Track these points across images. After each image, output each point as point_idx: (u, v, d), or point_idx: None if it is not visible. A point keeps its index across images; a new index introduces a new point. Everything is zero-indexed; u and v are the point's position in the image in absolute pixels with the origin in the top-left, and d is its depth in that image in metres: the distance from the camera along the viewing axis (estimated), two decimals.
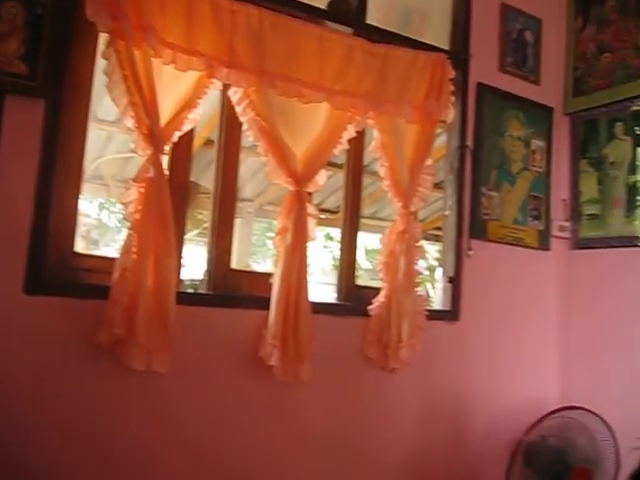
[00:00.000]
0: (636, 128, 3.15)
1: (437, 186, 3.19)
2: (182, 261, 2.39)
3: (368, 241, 7.88)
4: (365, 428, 2.70)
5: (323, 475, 2.58)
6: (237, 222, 6.47)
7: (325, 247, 9.25)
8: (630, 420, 2.76)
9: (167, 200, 2.12)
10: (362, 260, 7.58)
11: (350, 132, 2.63)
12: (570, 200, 3.41)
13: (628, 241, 3.12)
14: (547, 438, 2.73)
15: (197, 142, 4.29)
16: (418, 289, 2.76)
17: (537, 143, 3.36)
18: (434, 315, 2.91)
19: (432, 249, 7.28)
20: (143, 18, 2.10)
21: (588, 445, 2.70)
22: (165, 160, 2.17)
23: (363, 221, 6.34)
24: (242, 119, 2.42)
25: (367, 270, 7.65)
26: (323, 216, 5.97)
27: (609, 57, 3.33)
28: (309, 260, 2.44)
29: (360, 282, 2.86)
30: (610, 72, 3.30)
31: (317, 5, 2.71)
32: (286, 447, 2.48)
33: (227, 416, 2.37)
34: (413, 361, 2.74)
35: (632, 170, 3.16)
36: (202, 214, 5.62)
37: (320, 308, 2.58)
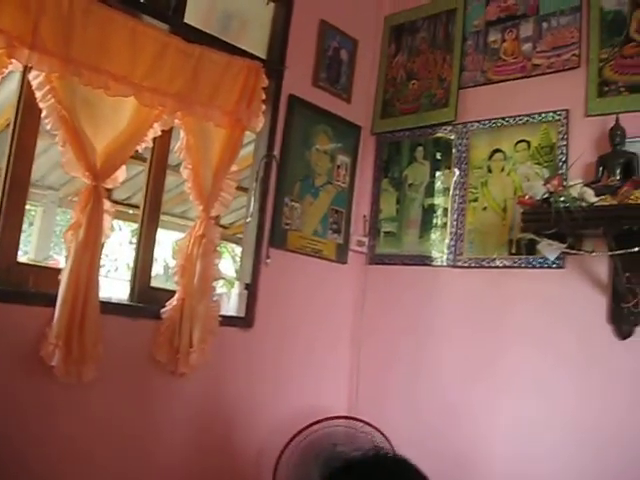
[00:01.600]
0: (438, 153, 3.54)
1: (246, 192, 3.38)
2: None
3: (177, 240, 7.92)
4: (151, 430, 2.79)
5: (116, 475, 2.66)
6: (39, 211, 6.30)
7: (132, 244, 9.19)
8: (409, 438, 3.08)
9: None
10: (170, 259, 7.62)
11: (156, 130, 2.71)
12: (370, 216, 3.75)
13: (420, 260, 3.51)
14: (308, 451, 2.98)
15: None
16: (213, 294, 2.91)
17: (343, 159, 3.67)
18: (228, 321, 3.06)
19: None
20: None
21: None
22: None
23: (173, 220, 6.40)
24: (41, 105, 2.40)
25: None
26: (131, 212, 5.98)
27: (416, 84, 3.72)
28: (102, 258, 2.50)
29: (164, 283, 2.94)
30: (416, 99, 3.70)
31: None
32: (77, 447, 2.55)
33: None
34: (203, 366, 2.86)
35: (428, 193, 3.55)
36: None
37: (110, 308, 2.64)
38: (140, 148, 2.66)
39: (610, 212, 2.46)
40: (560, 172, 2.95)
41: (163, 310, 2.79)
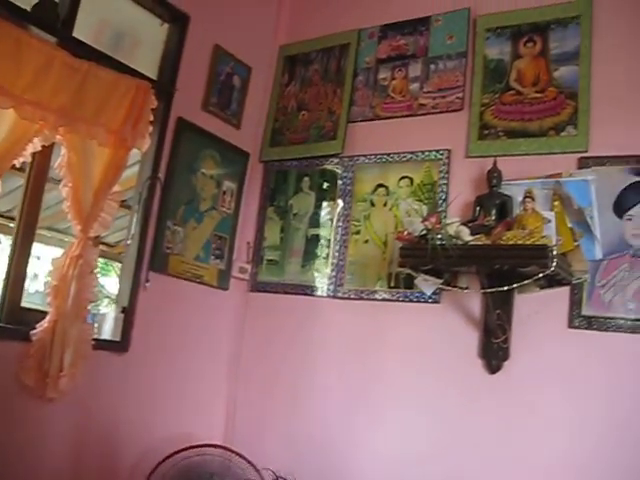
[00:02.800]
0: (324, 185, 3.66)
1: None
2: None
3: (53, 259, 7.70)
4: (17, 457, 2.72)
5: None
6: None
7: None
8: (285, 470, 3.08)
9: None
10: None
11: (36, 145, 2.68)
12: (254, 244, 3.82)
13: (302, 289, 3.60)
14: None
15: None
16: (87, 317, 2.88)
17: (229, 185, 3.73)
18: (102, 345, 3.03)
19: None
20: None
21: None
22: None
23: (57, 236, 6.22)
24: None
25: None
26: (12, 225, 5.76)
27: (306, 115, 3.85)
28: None
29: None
30: (305, 129, 3.82)
31: (21, 6, 2.73)
32: None
33: None
34: (74, 391, 2.81)
35: (312, 223, 3.66)
36: None
37: None
38: (18, 162, 2.58)
39: (483, 251, 2.62)
40: (440, 210, 3.13)
41: (33, 332, 2.71)
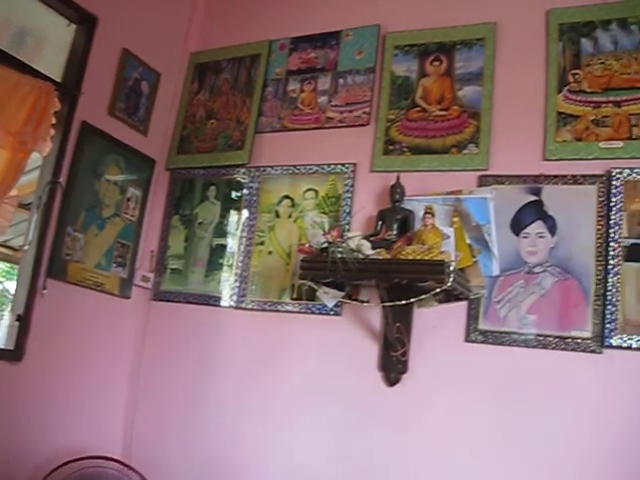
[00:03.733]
0: (229, 194, 3.63)
1: None
2: None
3: None
4: None
5: None
6: None
7: None
8: None
9: None
10: None
11: None
12: (157, 252, 3.75)
13: (205, 299, 3.55)
14: None
15: None
16: None
17: (134, 191, 3.65)
18: None
19: None
20: None
21: None
22: None
23: None
24: None
25: None
26: None
27: (215, 124, 3.81)
28: None
29: None
30: (213, 138, 3.78)
31: None
32: None
33: None
34: None
35: (217, 233, 3.63)
36: None
37: None
38: None
39: (382, 266, 2.65)
40: (344, 223, 3.14)
41: None
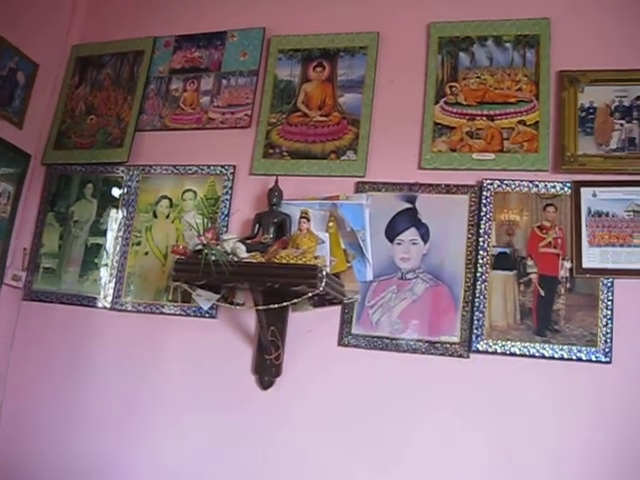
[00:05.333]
0: (107, 193, 3.53)
1: None
2: None
3: None
4: None
5: None
6: None
7: None
8: None
9: None
10: None
11: None
12: (30, 251, 3.61)
13: (79, 300, 3.44)
14: None
15: None
16: None
17: (5, 187, 3.49)
18: None
19: None
20: None
21: None
22: None
23: None
24: None
25: None
26: None
27: (95, 120, 3.70)
28: None
29: None
30: (92, 134, 3.67)
31: None
32: None
33: None
34: None
35: (93, 232, 3.52)
36: None
37: None
38: None
39: (255, 269, 2.63)
40: (222, 225, 3.10)
41: None
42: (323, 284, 2.52)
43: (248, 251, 2.73)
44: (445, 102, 3.06)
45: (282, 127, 3.22)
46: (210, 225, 2.84)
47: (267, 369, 2.92)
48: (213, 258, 2.58)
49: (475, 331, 2.74)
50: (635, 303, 2.68)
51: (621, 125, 2.89)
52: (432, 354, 2.79)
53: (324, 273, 2.54)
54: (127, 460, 3.12)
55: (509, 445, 2.65)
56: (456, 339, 2.77)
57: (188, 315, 3.11)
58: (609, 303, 2.68)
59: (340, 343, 2.89)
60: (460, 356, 2.75)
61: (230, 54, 3.47)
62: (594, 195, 2.81)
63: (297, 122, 3.21)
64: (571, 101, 2.95)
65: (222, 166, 3.24)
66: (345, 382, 2.85)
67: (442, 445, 2.72)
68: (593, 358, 2.65)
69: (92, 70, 3.77)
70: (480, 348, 2.73)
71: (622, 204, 2.78)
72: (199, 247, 2.67)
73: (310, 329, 2.94)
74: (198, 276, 2.65)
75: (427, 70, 3.13)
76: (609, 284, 2.70)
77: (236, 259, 2.67)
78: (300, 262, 2.59)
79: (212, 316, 3.08)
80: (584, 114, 2.92)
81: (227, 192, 3.20)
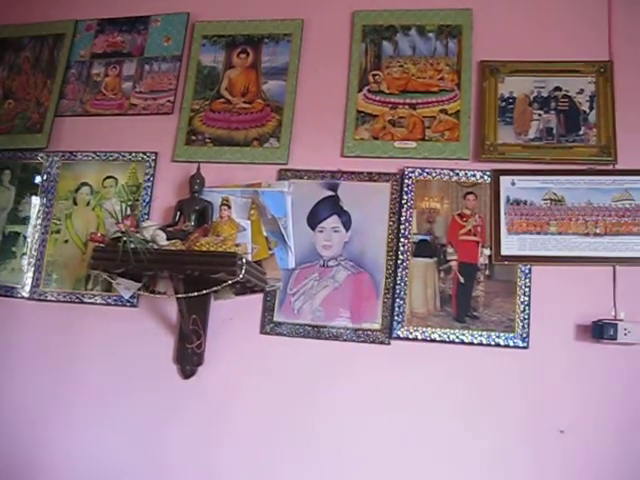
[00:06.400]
0: (26, 180, 3.43)
1: None
2: None
3: None
4: None
5: None
6: None
7: None
8: None
9: None
10: None
11: None
12: None
13: None
14: None
15: None
16: None
17: None
18: None
19: None
20: None
21: None
22: None
23: None
24: None
25: None
26: None
27: (13, 104, 3.60)
28: None
29: None
30: (10, 119, 3.57)
31: None
32: None
33: None
34: None
35: (11, 220, 3.42)
36: None
37: None
38: None
39: (174, 257, 2.61)
40: (143, 212, 3.06)
41: None
42: (243, 272, 2.52)
43: (169, 239, 2.70)
44: (368, 90, 3.08)
45: (205, 114, 3.20)
46: (130, 212, 2.76)
47: (189, 358, 2.90)
48: (132, 246, 2.54)
49: (396, 318, 2.77)
50: (551, 289, 2.72)
51: (539, 115, 2.93)
52: (354, 341, 2.81)
53: (244, 261, 2.53)
54: (51, 453, 3.06)
55: (429, 429, 2.69)
56: (377, 326, 2.79)
57: (109, 304, 3.07)
58: (527, 289, 2.72)
59: (262, 331, 2.89)
60: (381, 343, 2.78)
61: (153, 39, 3.43)
62: (513, 184, 2.85)
63: (220, 109, 3.19)
64: (491, 91, 2.99)
65: (144, 153, 3.20)
66: (267, 370, 2.85)
67: (364, 430, 2.76)
68: (511, 343, 2.68)
69: (10, 53, 3.67)
70: (401, 335, 2.76)
71: (540, 192, 2.82)
72: (118, 235, 2.61)
73: (232, 317, 2.92)
74: (116, 264, 2.62)
75: (351, 58, 3.14)
76: (527, 271, 2.74)
77: (156, 247, 2.64)
78: (220, 250, 2.58)
79: (133, 305, 3.04)
80: (504, 104, 2.97)
81: (149, 179, 3.16)
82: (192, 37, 3.36)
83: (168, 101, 3.27)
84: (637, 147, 2.82)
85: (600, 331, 2.55)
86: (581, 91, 2.91)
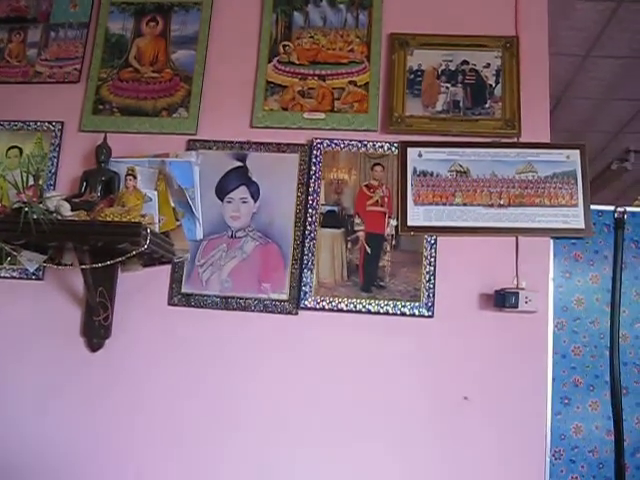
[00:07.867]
0: None
1: None
2: None
3: None
4: None
5: None
6: None
7: None
8: None
9: None
10: None
11: None
12: None
13: None
14: None
15: None
16: None
17: None
18: None
19: None
20: None
21: None
22: None
23: None
24: None
25: None
26: None
27: None
28: None
29: None
30: None
31: None
32: None
33: None
34: None
35: None
36: None
37: None
38: None
39: (77, 227, 2.59)
40: (49, 183, 3.02)
41: None
42: (147, 242, 2.52)
43: (74, 209, 2.68)
44: (278, 61, 3.10)
45: (113, 83, 3.17)
46: (33, 183, 2.72)
47: (96, 331, 2.90)
48: (34, 217, 2.51)
49: (303, 288, 2.82)
50: (456, 259, 2.81)
51: (447, 88, 3.00)
52: (262, 311, 2.86)
53: (148, 231, 2.54)
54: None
55: (335, 398, 2.77)
56: (285, 296, 2.84)
57: (13, 278, 3.02)
58: (432, 259, 2.80)
59: (170, 302, 2.91)
60: (289, 313, 2.83)
61: (59, 5, 3.37)
62: (420, 155, 2.91)
63: (128, 78, 3.17)
64: (400, 63, 3.04)
65: (50, 122, 3.16)
66: (175, 342, 2.87)
67: (273, 400, 2.82)
68: (416, 312, 2.77)
69: None
70: (308, 305, 2.81)
71: (446, 164, 2.90)
72: (19, 205, 2.58)
73: (140, 289, 2.90)
74: (17, 235, 2.58)
75: (261, 28, 3.15)
76: (432, 241, 2.82)
77: (59, 217, 2.61)
78: (124, 220, 2.58)
79: (39, 278, 3.00)
80: (412, 76, 3.02)
81: (55, 149, 3.12)
82: (100, 3, 3.31)
83: (75, 69, 3.22)
84: (540, 121, 2.90)
85: (502, 300, 2.64)
86: (488, 65, 2.98)
